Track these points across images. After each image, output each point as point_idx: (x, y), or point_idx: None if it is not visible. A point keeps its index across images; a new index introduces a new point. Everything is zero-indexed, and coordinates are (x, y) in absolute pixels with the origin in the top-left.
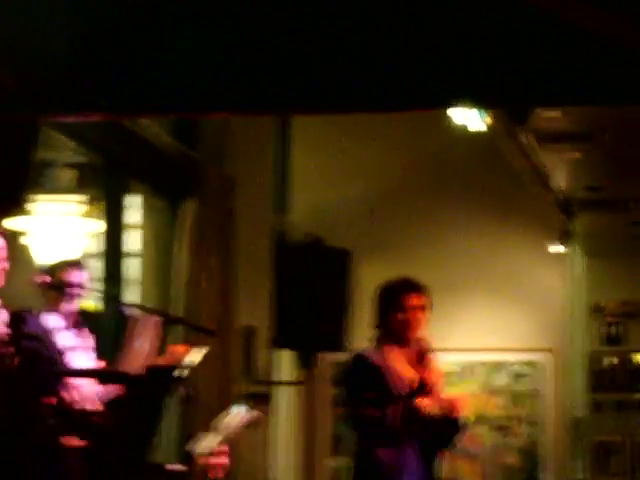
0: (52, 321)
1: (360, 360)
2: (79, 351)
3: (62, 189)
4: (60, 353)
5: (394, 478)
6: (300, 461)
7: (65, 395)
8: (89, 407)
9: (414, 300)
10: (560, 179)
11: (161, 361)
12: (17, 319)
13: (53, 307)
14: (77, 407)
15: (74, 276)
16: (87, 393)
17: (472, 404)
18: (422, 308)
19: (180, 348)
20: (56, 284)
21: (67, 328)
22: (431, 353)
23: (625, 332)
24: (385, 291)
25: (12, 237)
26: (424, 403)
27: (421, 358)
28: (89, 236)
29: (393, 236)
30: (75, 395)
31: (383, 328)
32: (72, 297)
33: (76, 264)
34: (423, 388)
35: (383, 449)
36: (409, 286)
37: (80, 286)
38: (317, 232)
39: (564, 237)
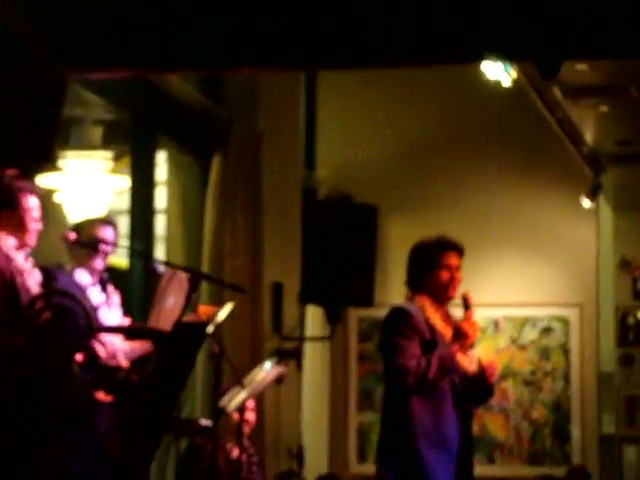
0: (83, 278)
1: (401, 313)
2: (106, 308)
3: (90, 146)
4: (94, 309)
5: (431, 433)
6: (328, 416)
7: (96, 351)
8: (118, 363)
9: (453, 259)
10: (589, 133)
11: (191, 319)
12: (48, 275)
13: (82, 264)
14: (107, 363)
15: (105, 233)
16: (116, 350)
17: (501, 359)
18: (459, 268)
19: (210, 309)
20: (86, 241)
21: (94, 285)
22: (471, 308)
23: None
24: (424, 249)
25: (45, 195)
26: (464, 362)
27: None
28: (117, 193)
29: (421, 192)
30: (106, 351)
31: (420, 286)
32: (102, 254)
33: (107, 221)
34: (462, 338)
35: (420, 402)
36: (449, 245)
37: (111, 244)
38: (345, 188)
39: (593, 192)
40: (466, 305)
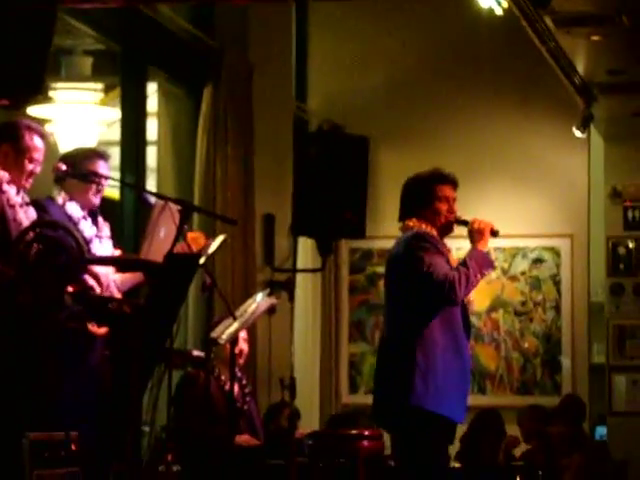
0: (74, 210)
1: (423, 234)
2: (98, 240)
3: (80, 77)
4: (87, 242)
5: (453, 364)
6: (319, 347)
7: (89, 283)
8: (112, 295)
9: (449, 191)
10: (580, 63)
11: (181, 249)
12: (39, 208)
13: (74, 196)
14: (100, 295)
15: (98, 167)
16: (108, 281)
17: (491, 290)
18: (455, 200)
19: (197, 235)
20: (78, 173)
21: (85, 217)
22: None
23: None
24: (420, 182)
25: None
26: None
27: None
28: (107, 124)
29: (413, 122)
30: (99, 283)
31: (417, 219)
32: (96, 190)
33: (100, 154)
34: (479, 234)
35: (440, 329)
36: (444, 177)
37: (102, 177)
38: (336, 119)
39: (584, 122)
40: (463, 221)
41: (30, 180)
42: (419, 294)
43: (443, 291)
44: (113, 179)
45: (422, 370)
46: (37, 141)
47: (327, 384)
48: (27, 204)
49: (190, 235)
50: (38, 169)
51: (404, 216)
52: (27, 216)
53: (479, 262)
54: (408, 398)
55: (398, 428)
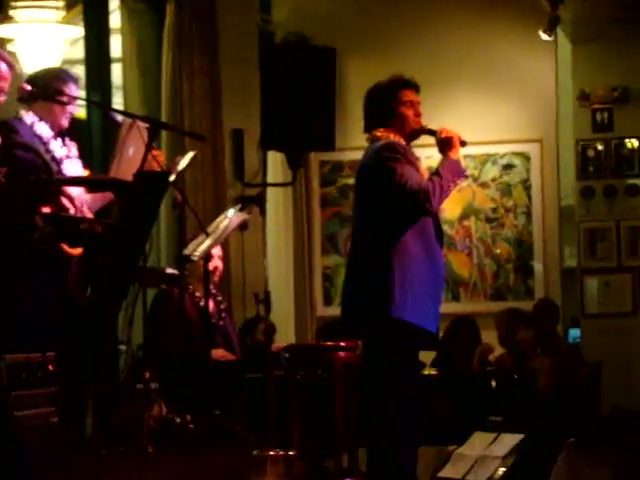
0: (43, 130)
1: (393, 144)
2: (69, 161)
3: None
4: (58, 162)
5: (426, 274)
6: (293, 261)
7: (64, 204)
8: (83, 215)
9: (412, 95)
10: None
11: (149, 167)
12: (8, 128)
13: (43, 117)
14: (72, 215)
15: (70, 88)
16: (82, 202)
17: (462, 198)
18: (419, 103)
19: (158, 153)
20: (49, 93)
21: (55, 138)
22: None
23: (613, 119)
24: (382, 89)
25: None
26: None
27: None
28: (70, 42)
29: (379, 31)
30: (70, 204)
31: (384, 128)
32: (66, 113)
33: (72, 76)
34: (447, 142)
35: (414, 239)
36: (406, 82)
37: (73, 97)
38: (302, 30)
39: (551, 25)
40: (430, 131)
41: None
42: (393, 205)
43: (418, 201)
44: (81, 99)
45: (400, 281)
46: (3, 69)
47: (301, 297)
48: None
49: (154, 152)
50: (2, 98)
51: (370, 127)
52: None
53: (452, 171)
54: (388, 310)
55: (374, 338)
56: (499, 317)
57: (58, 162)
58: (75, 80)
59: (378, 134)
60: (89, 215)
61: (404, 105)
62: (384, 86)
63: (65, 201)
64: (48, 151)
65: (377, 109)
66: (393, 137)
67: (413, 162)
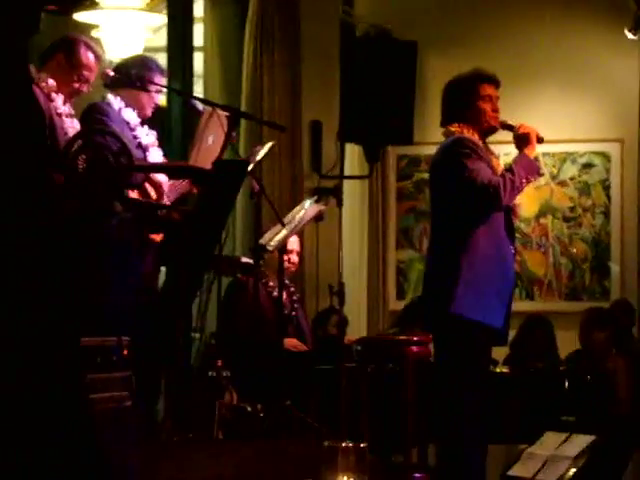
0: (131, 116)
1: (464, 140)
2: (154, 148)
3: None
4: (144, 149)
5: (496, 270)
6: (367, 254)
7: (150, 192)
8: (164, 202)
9: (491, 90)
10: None
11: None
12: (98, 111)
13: (128, 103)
14: (150, 202)
15: (156, 77)
16: (164, 189)
17: (540, 196)
18: (498, 98)
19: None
20: (136, 81)
21: (142, 124)
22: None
23: None
24: (461, 82)
25: (84, 31)
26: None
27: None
28: (154, 30)
29: (460, 26)
30: (157, 192)
31: (462, 121)
32: (152, 97)
33: (157, 64)
34: (525, 138)
35: (485, 236)
36: (486, 76)
37: (157, 85)
38: (384, 24)
39: (636, 24)
40: (509, 126)
41: (74, 95)
42: (462, 201)
43: (487, 196)
44: (163, 87)
45: (465, 278)
46: (91, 59)
47: (374, 291)
48: (72, 115)
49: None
50: (85, 88)
51: (447, 121)
52: (73, 125)
53: (525, 168)
54: (449, 306)
55: (440, 334)
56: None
57: (144, 149)
58: (162, 70)
59: (452, 129)
60: (167, 202)
61: (482, 99)
62: (464, 78)
63: (149, 188)
64: (135, 137)
65: (455, 101)
66: (467, 132)
67: (484, 157)
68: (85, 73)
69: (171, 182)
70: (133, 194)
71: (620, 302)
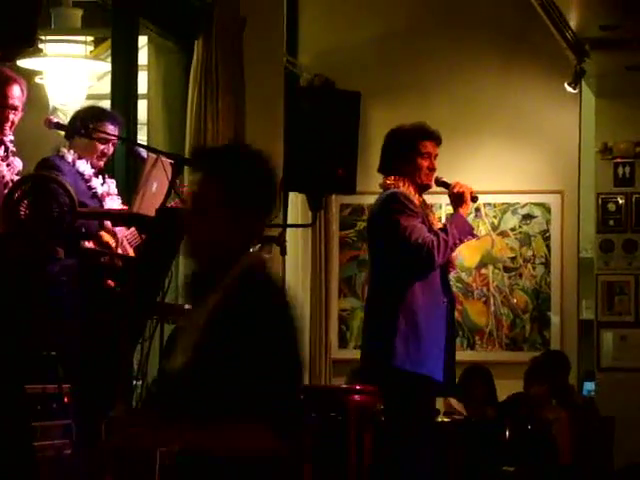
0: (84, 168)
1: (399, 195)
2: (109, 197)
3: (70, 29)
4: (99, 199)
5: (430, 324)
6: (310, 302)
7: (104, 239)
8: (125, 251)
9: (432, 147)
10: (573, 18)
11: (175, 205)
12: (49, 166)
13: (81, 153)
14: (92, 248)
15: (107, 128)
16: (122, 237)
17: (481, 246)
18: (436, 156)
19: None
20: (92, 133)
21: (96, 175)
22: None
23: (635, 173)
24: (403, 135)
25: (27, 77)
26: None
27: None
28: (97, 77)
29: (404, 77)
30: (114, 239)
31: (398, 173)
32: (101, 153)
33: (108, 114)
34: (460, 198)
35: (420, 290)
36: (428, 133)
37: (106, 134)
38: (328, 75)
39: (576, 77)
40: (444, 183)
41: (10, 128)
42: (398, 257)
43: (420, 256)
44: (107, 134)
45: (403, 333)
46: (13, 88)
47: (317, 340)
48: (13, 154)
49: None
50: (17, 118)
51: (384, 169)
52: (10, 168)
53: (459, 228)
54: (390, 360)
55: (383, 387)
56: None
57: (100, 199)
58: (114, 120)
59: (388, 182)
60: (130, 251)
61: (421, 156)
62: (405, 132)
63: (106, 236)
64: (90, 188)
65: (394, 153)
66: (402, 186)
67: (419, 213)
68: (10, 102)
69: (134, 230)
70: (89, 244)
71: (550, 354)
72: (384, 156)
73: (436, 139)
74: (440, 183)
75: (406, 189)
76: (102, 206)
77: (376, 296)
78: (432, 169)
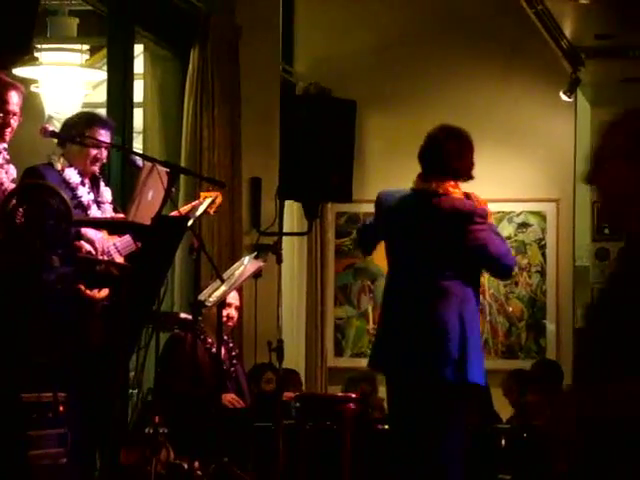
0: (72, 176)
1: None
2: (97, 205)
3: (66, 38)
4: (85, 208)
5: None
6: (305, 310)
7: (85, 248)
8: (110, 259)
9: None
10: (568, 27)
11: (175, 212)
12: (36, 174)
13: (73, 162)
14: (88, 257)
15: (98, 133)
16: (107, 246)
17: None
18: None
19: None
20: (77, 137)
21: (83, 183)
22: None
23: None
24: (469, 142)
25: (24, 86)
26: None
27: None
28: (93, 85)
29: (400, 86)
30: (95, 248)
31: (458, 177)
32: (94, 159)
33: (100, 119)
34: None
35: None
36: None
37: (97, 141)
38: (324, 83)
39: (571, 86)
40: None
41: (8, 134)
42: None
43: (504, 271)
44: (102, 142)
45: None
46: (12, 94)
47: (312, 347)
48: (7, 162)
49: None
50: (14, 122)
51: (441, 172)
52: (8, 175)
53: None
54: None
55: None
56: (504, 382)
57: (85, 208)
58: (106, 125)
59: (448, 187)
60: (118, 258)
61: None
62: (465, 135)
63: (85, 245)
64: (75, 197)
65: (463, 160)
66: (453, 189)
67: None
68: (6, 107)
69: (123, 238)
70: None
71: (544, 362)
72: (462, 158)
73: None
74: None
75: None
76: (86, 215)
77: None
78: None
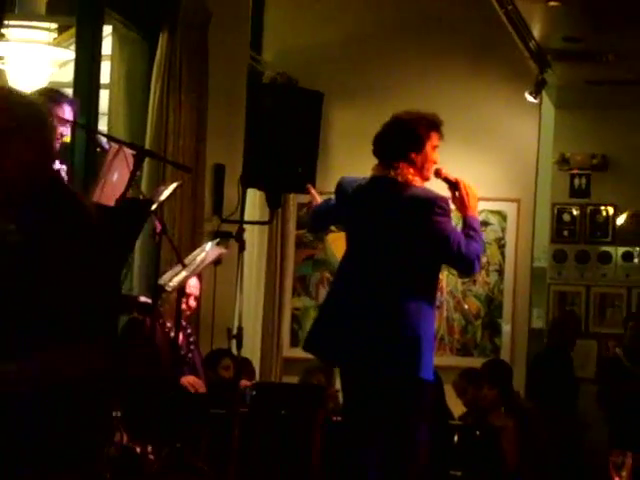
0: None
1: (440, 198)
2: None
3: (34, 16)
4: None
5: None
6: (263, 299)
7: None
8: None
9: (437, 141)
10: (537, 29)
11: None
12: None
13: None
14: None
15: (61, 111)
16: None
17: None
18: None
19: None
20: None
21: None
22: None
23: (590, 185)
24: (421, 121)
25: None
26: None
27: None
28: (60, 64)
29: (367, 79)
30: None
31: (405, 163)
32: (65, 132)
33: (63, 96)
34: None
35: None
36: (437, 125)
37: (70, 122)
38: (291, 73)
39: (537, 88)
40: (449, 181)
41: None
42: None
43: (466, 266)
44: (68, 121)
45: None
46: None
47: (269, 337)
48: None
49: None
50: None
51: (391, 155)
52: None
53: (478, 227)
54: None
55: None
56: (455, 381)
57: None
58: (69, 101)
59: (407, 175)
60: None
61: (433, 149)
62: (421, 119)
63: None
64: None
65: (405, 142)
66: (412, 177)
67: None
68: None
69: None
70: None
71: (494, 361)
72: (394, 144)
73: (440, 133)
74: (447, 180)
75: (421, 184)
76: None
77: (394, 292)
78: (435, 163)
